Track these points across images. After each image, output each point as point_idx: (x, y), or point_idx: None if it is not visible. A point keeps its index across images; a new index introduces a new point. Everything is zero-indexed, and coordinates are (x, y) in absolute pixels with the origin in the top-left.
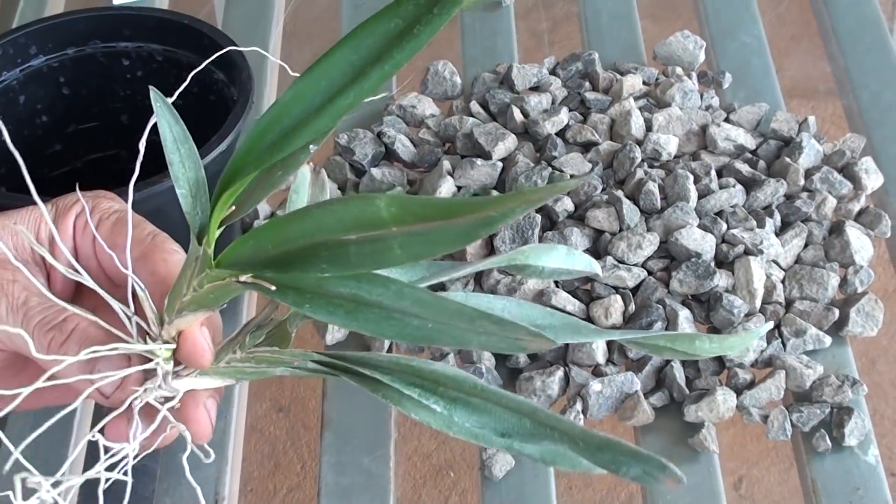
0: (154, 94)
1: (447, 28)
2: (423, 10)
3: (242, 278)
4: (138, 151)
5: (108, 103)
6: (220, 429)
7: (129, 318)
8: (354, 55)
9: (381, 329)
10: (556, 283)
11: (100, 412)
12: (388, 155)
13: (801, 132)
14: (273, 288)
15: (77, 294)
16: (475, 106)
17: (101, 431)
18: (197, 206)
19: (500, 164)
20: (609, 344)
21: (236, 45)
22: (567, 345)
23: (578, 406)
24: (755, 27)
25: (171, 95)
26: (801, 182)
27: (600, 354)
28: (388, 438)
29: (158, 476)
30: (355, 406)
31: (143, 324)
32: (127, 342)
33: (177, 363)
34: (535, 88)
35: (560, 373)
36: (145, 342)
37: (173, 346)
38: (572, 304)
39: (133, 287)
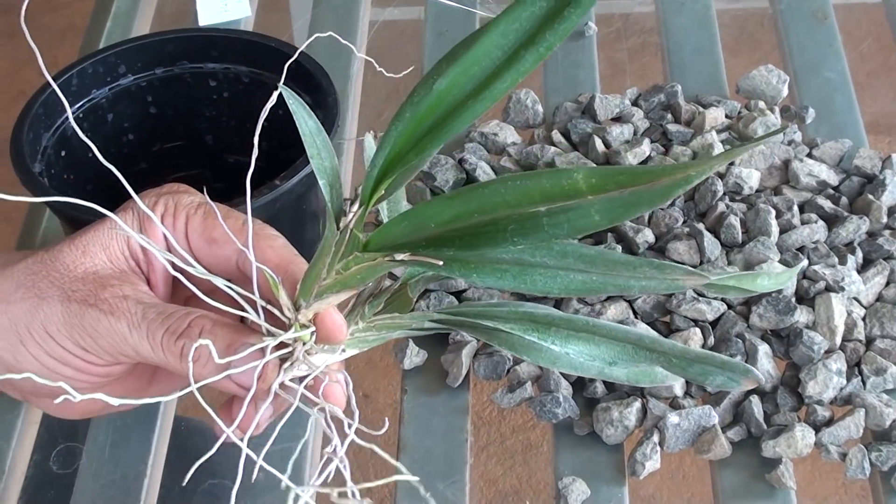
0: (286, 92)
1: None
2: None
3: (399, 257)
4: (222, 171)
5: (193, 123)
6: (299, 449)
7: (255, 307)
8: (503, 40)
9: (548, 287)
10: (636, 313)
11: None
12: (469, 181)
13: (884, 169)
14: (441, 264)
15: (173, 297)
16: (557, 135)
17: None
18: (334, 193)
19: None
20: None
21: (323, 69)
22: None
23: (655, 438)
24: (839, 63)
25: (256, 117)
26: (884, 220)
27: (678, 387)
28: (464, 464)
29: (235, 495)
30: (431, 431)
31: (274, 311)
32: (260, 334)
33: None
34: (617, 119)
35: (637, 404)
36: (281, 330)
37: (312, 328)
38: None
39: (245, 277)
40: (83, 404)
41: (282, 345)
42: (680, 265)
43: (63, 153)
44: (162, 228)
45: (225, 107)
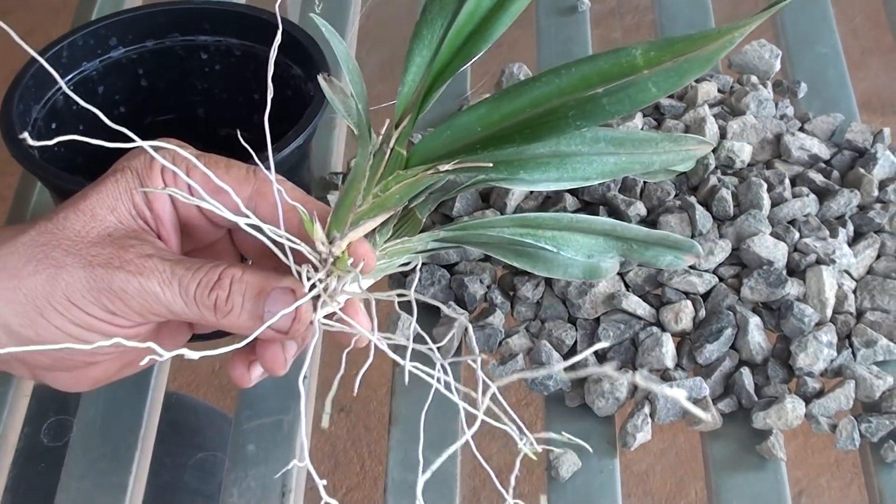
0: (319, 21)
1: (522, 30)
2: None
3: (444, 167)
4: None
5: (185, 96)
6: (289, 422)
7: (285, 251)
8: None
9: (587, 172)
10: (627, 286)
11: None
12: None
13: (875, 143)
14: (490, 164)
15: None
16: None
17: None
18: (363, 115)
19: None
20: (678, 349)
21: (315, 42)
22: (636, 348)
23: (646, 409)
24: (832, 38)
25: (250, 89)
26: (875, 193)
27: (669, 359)
28: (456, 436)
29: (227, 468)
30: (423, 403)
31: (303, 249)
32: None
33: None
34: None
35: (629, 376)
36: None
37: (350, 260)
38: (643, 308)
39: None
40: (97, 374)
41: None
42: (693, 136)
43: (53, 125)
44: (213, 178)
45: (217, 79)
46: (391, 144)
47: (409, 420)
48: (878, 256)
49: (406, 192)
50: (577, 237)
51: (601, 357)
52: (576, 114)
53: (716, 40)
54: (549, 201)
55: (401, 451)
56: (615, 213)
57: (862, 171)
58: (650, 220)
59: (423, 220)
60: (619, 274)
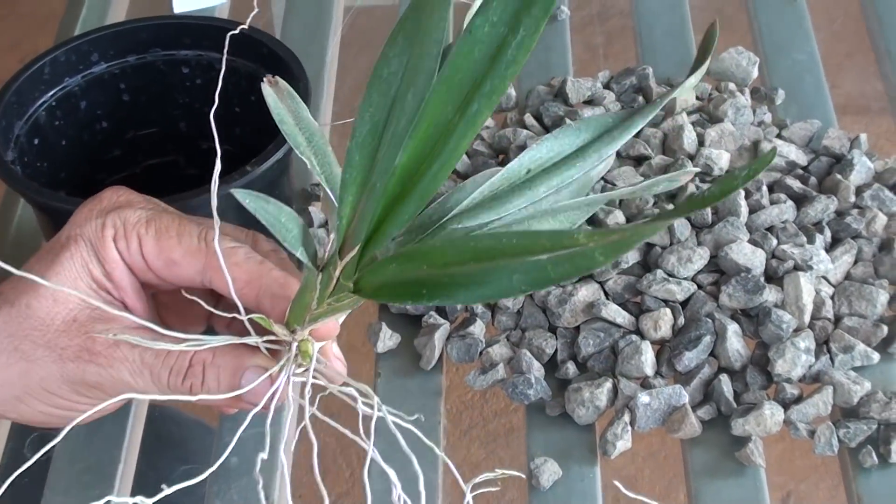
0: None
1: None
2: (506, 31)
3: (394, 308)
4: (196, 157)
5: (167, 110)
6: (273, 434)
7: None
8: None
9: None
10: (607, 294)
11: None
12: None
13: (852, 149)
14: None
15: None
16: (529, 118)
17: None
18: (309, 248)
19: None
20: (658, 356)
21: (294, 55)
22: (616, 356)
23: (626, 417)
24: (808, 44)
25: (231, 102)
26: (852, 199)
27: (649, 367)
28: (437, 443)
29: (208, 480)
30: (405, 413)
31: (278, 329)
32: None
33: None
34: (589, 102)
35: (608, 384)
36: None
37: (311, 339)
38: (622, 317)
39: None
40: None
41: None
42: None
43: (36, 141)
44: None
45: (198, 93)
46: (335, 275)
47: (387, 428)
48: (856, 262)
49: (359, 300)
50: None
51: (581, 366)
52: (520, 278)
53: (652, 224)
54: None
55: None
56: (594, 222)
57: (839, 177)
58: None
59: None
60: (598, 282)
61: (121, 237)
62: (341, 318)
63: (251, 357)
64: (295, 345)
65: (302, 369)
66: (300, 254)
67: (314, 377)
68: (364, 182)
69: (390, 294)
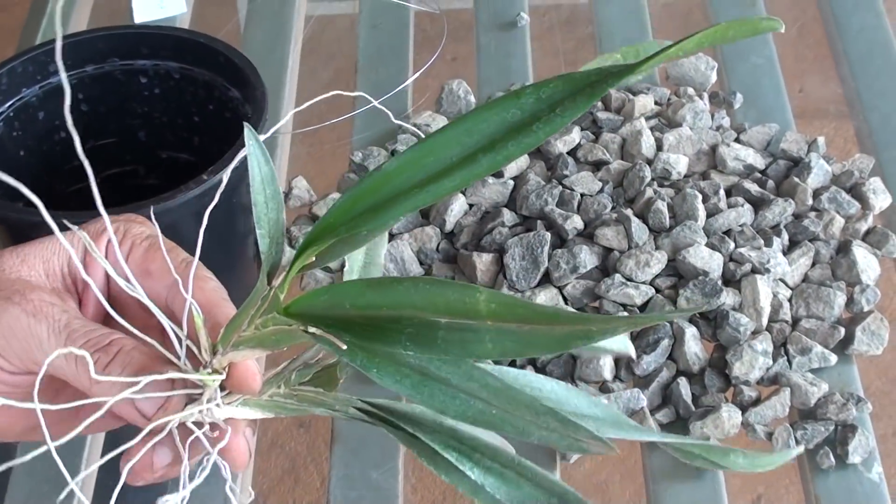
0: (248, 131)
1: (463, 47)
2: (544, 108)
3: (312, 329)
4: (156, 167)
5: (125, 120)
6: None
7: (180, 342)
8: (467, 138)
9: (445, 406)
10: (566, 299)
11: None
12: None
13: (810, 152)
14: (344, 347)
15: (106, 323)
16: None
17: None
18: (273, 247)
19: (511, 183)
20: (616, 360)
21: (251, 64)
22: (574, 360)
23: None
24: (766, 49)
25: (188, 112)
26: (810, 202)
27: (607, 371)
28: (397, 452)
29: (169, 488)
30: (363, 432)
31: (193, 349)
32: (176, 366)
33: (220, 390)
34: None
35: None
36: (195, 369)
37: (223, 375)
38: None
39: (171, 313)
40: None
41: (195, 387)
42: (585, 428)
43: None
44: (95, 252)
45: (157, 103)
46: (273, 285)
47: (350, 438)
48: (813, 264)
49: (282, 337)
50: (517, 483)
51: (541, 370)
52: (411, 334)
53: (567, 324)
54: (489, 216)
55: (342, 468)
56: (552, 226)
57: (796, 180)
58: (587, 234)
59: (341, 380)
60: (557, 287)
61: (118, 237)
62: (259, 355)
63: (163, 367)
64: (209, 366)
65: (197, 407)
66: (261, 235)
67: (202, 419)
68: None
69: (313, 320)
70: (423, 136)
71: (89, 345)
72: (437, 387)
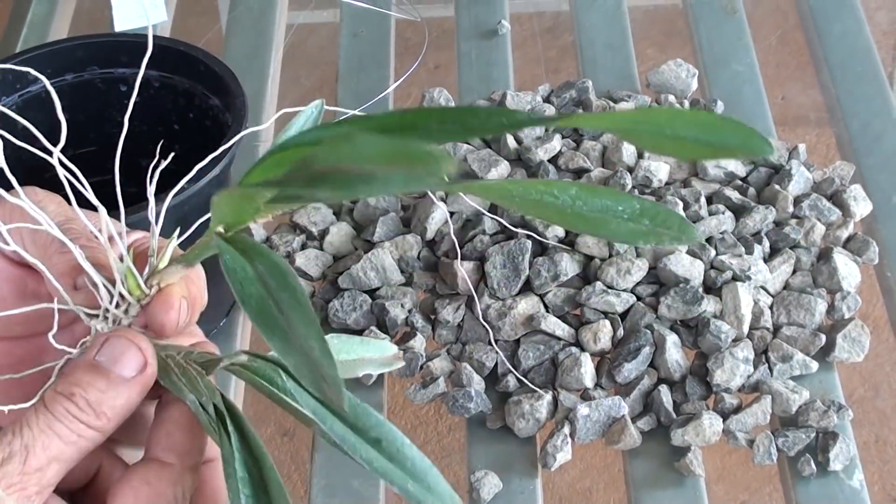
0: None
1: (445, 55)
2: None
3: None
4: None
5: (105, 128)
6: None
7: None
8: None
9: None
10: (546, 307)
11: None
12: None
13: (791, 160)
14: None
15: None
16: None
17: None
18: None
19: None
20: (598, 368)
21: (231, 72)
22: (556, 369)
23: (566, 429)
24: (747, 56)
25: (169, 119)
26: (791, 209)
27: (588, 379)
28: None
29: None
30: None
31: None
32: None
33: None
34: None
35: (549, 397)
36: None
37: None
38: (562, 329)
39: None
40: None
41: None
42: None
43: None
44: None
45: (136, 111)
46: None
47: (331, 447)
48: (794, 272)
49: (202, 250)
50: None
51: (520, 379)
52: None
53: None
54: (470, 224)
55: (323, 476)
56: (533, 234)
57: (777, 187)
58: (568, 241)
59: (216, 369)
60: (538, 295)
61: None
62: (183, 273)
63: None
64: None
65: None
66: None
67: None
68: None
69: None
70: None
71: (53, 252)
72: None
